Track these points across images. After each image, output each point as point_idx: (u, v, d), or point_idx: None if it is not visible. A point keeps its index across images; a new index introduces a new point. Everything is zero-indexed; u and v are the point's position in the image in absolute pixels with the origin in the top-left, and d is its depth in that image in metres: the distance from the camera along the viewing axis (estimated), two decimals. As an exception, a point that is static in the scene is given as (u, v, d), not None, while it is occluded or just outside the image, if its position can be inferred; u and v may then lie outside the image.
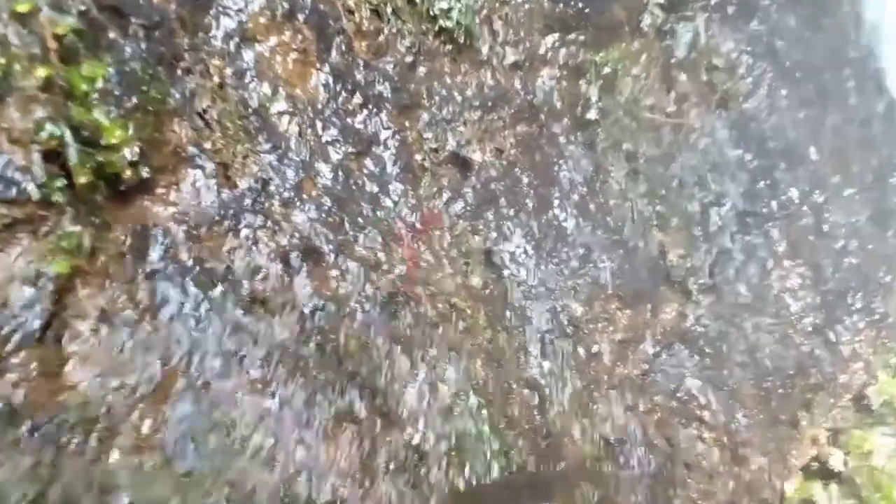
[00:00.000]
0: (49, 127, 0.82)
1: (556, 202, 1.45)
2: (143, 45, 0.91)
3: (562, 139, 1.50)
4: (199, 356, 0.88)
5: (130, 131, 0.85)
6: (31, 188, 0.84)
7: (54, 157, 0.86)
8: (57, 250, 0.84)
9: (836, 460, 1.85)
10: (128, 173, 0.86)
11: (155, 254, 0.90)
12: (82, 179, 0.84)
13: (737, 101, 1.78)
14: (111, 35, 0.88)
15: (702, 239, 1.60)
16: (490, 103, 1.41)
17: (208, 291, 0.91)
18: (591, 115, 1.53)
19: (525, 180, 1.43)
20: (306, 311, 0.98)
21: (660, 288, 1.52)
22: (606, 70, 1.60)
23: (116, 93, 0.86)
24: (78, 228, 0.85)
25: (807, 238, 1.70)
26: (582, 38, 1.59)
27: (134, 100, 0.87)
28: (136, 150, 0.87)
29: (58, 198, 0.84)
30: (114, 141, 0.82)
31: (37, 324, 0.82)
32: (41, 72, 0.86)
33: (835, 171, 1.84)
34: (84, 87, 0.86)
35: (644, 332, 1.47)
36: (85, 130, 0.84)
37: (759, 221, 1.67)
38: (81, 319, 0.86)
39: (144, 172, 0.88)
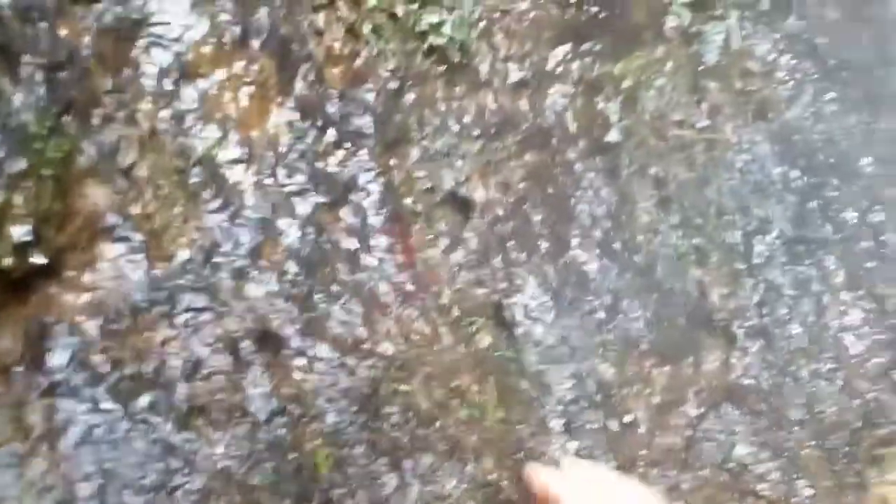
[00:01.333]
0: None
1: (575, 241, 1.24)
2: (41, 91, 0.72)
3: (578, 167, 1.29)
4: (114, 494, 0.68)
5: (17, 205, 0.66)
6: None
7: None
8: None
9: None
10: (8, 262, 0.67)
11: (56, 360, 0.70)
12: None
13: (777, 111, 1.56)
14: (-11, 81, 0.69)
15: (746, 274, 1.38)
16: (493, 130, 1.20)
17: (129, 404, 0.71)
18: (612, 136, 1.32)
19: (537, 218, 1.22)
20: (261, 418, 0.77)
21: (701, 335, 1.30)
22: (627, 83, 1.39)
23: (-5, 156, 0.67)
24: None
25: (865, 265, 1.47)
26: (597, 47, 1.38)
27: (22, 163, 0.67)
28: (27, 228, 0.67)
29: None
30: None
31: None
32: None
33: (889, 182, 1.62)
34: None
35: (686, 392, 1.25)
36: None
37: (812, 249, 1.45)
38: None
39: (39, 258, 0.68)
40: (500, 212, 1.19)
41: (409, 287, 0.95)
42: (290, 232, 0.89)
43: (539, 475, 0.68)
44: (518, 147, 1.24)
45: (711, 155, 1.45)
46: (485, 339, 1.10)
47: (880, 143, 1.66)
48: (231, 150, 0.88)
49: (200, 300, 0.78)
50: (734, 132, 1.49)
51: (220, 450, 0.72)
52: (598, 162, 1.31)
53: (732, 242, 1.39)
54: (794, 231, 1.44)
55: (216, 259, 0.82)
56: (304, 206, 0.92)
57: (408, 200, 1.06)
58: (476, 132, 1.16)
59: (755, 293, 1.37)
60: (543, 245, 1.21)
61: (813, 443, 1.34)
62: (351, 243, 0.93)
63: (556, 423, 1.04)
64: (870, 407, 1.41)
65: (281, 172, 0.92)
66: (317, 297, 0.86)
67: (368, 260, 0.94)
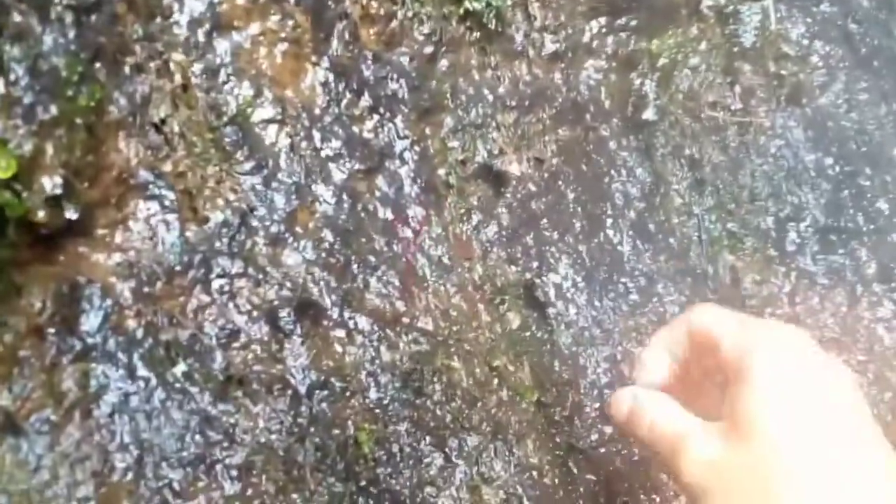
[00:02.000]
0: None
1: (609, 222, 1.20)
2: (72, 35, 0.66)
3: (612, 144, 1.25)
4: (152, 467, 0.63)
5: (49, 154, 0.61)
6: None
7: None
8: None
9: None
10: (40, 215, 0.62)
11: (88, 324, 0.65)
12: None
13: (811, 96, 1.52)
14: (18, 19, 0.63)
15: (778, 261, 1.34)
16: (527, 103, 1.15)
17: (166, 372, 0.66)
18: (647, 114, 1.28)
19: (571, 196, 1.18)
20: (301, 390, 0.72)
21: (732, 322, 1.27)
22: (663, 61, 1.34)
23: (26, 100, 0.61)
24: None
25: (898, 257, 1.44)
26: (633, 22, 1.33)
27: (53, 110, 0.62)
28: (58, 180, 0.62)
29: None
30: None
31: None
32: None
33: (920, 175, 1.58)
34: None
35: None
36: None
37: (844, 239, 1.41)
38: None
39: (70, 212, 0.63)
40: (533, 188, 1.14)
41: (446, 261, 0.90)
42: (326, 198, 0.84)
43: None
44: (552, 121, 1.19)
45: (744, 139, 1.41)
46: (516, 319, 1.06)
47: (911, 134, 1.63)
48: (265, 109, 0.83)
49: (236, 266, 0.73)
50: (767, 116, 1.45)
51: (261, 423, 0.67)
52: (632, 140, 1.27)
53: (765, 228, 1.35)
54: (827, 219, 1.41)
55: (252, 223, 0.77)
56: (339, 172, 0.87)
57: (441, 172, 1.02)
58: (511, 103, 1.11)
59: (787, 281, 1.34)
60: (577, 224, 1.17)
61: (845, 435, 1.31)
62: (387, 213, 0.89)
63: (591, 408, 1.00)
64: (901, 400, 1.38)
65: (316, 136, 0.87)
66: (354, 267, 0.82)
67: (406, 231, 0.89)
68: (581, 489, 0.83)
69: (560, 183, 1.18)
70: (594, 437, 0.91)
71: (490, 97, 1.11)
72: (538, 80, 1.20)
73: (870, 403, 1.25)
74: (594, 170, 1.23)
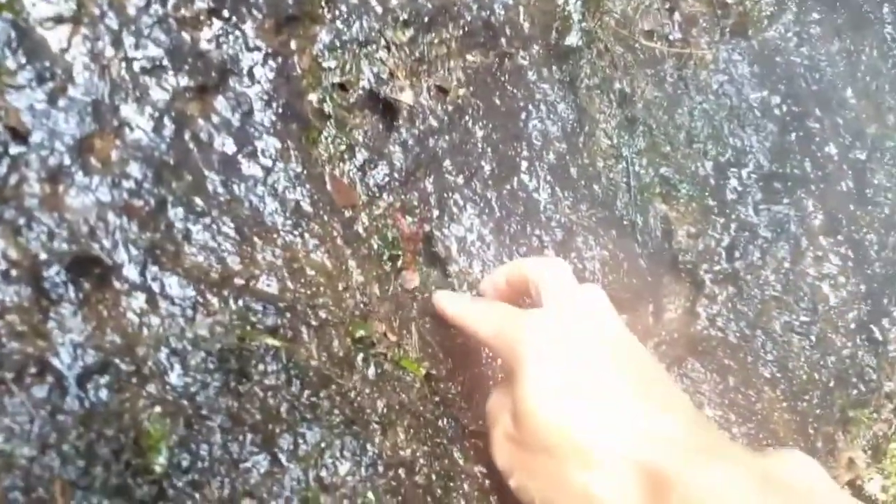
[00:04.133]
0: None
1: (524, 165, 1.03)
2: None
3: (531, 74, 1.07)
4: None
5: None
6: None
7: None
8: None
9: (874, 486, 1.51)
10: None
11: None
12: None
13: (758, 28, 1.36)
14: None
15: (717, 211, 1.19)
16: (426, 19, 0.96)
17: None
18: (572, 39, 1.10)
19: (479, 134, 1.00)
20: (68, 376, 0.54)
21: (663, 279, 1.12)
22: (591, -22, 1.16)
23: None
24: None
25: (847, 207, 1.32)
26: (558, -69, 1.14)
27: None
28: None
29: None
30: None
31: None
32: None
33: (872, 118, 1.45)
34: None
35: (645, 343, 1.07)
36: None
37: (791, 187, 1.27)
38: None
39: None
40: (434, 122, 0.96)
41: (306, 207, 0.72)
42: (139, 123, 0.65)
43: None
44: (458, 44, 1.00)
45: (683, 73, 1.25)
46: (413, 279, 0.89)
47: (865, 75, 1.49)
48: (51, 4, 0.63)
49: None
50: (710, 48, 1.29)
51: (4, 421, 0.49)
52: (554, 70, 1.09)
53: (703, 174, 1.20)
54: (772, 165, 1.26)
55: (19, 150, 0.57)
56: (160, 91, 0.67)
57: (312, 97, 0.83)
58: (404, 17, 0.92)
59: (726, 234, 1.19)
60: (486, 167, 1.00)
61: (784, 405, 1.19)
62: (226, 144, 0.70)
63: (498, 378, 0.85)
64: (844, 364, 1.27)
65: (128, 41, 0.67)
66: (171, 212, 0.63)
67: (251, 168, 0.71)
68: (466, 486, 0.67)
69: (467, 118, 1.00)
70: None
71: (379, 9, 0.92)
72: (442, -8, 1.00)
73: (811, 368, 1.13)
74: (508, 104, 1.05)
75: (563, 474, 0.51)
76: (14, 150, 0.58)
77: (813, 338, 1.23)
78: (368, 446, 0.61)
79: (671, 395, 0.58)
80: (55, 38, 0.64)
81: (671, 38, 1.25)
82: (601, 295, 0.64)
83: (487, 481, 0.70)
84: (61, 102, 0.62)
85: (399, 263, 0.89)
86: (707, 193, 1.20)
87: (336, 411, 0.62)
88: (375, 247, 0.87)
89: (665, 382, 0.61)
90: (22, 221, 0.55)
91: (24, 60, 0.62)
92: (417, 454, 0.66)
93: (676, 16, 1.27)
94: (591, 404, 0.52)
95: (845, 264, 1.29)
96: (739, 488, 0.47)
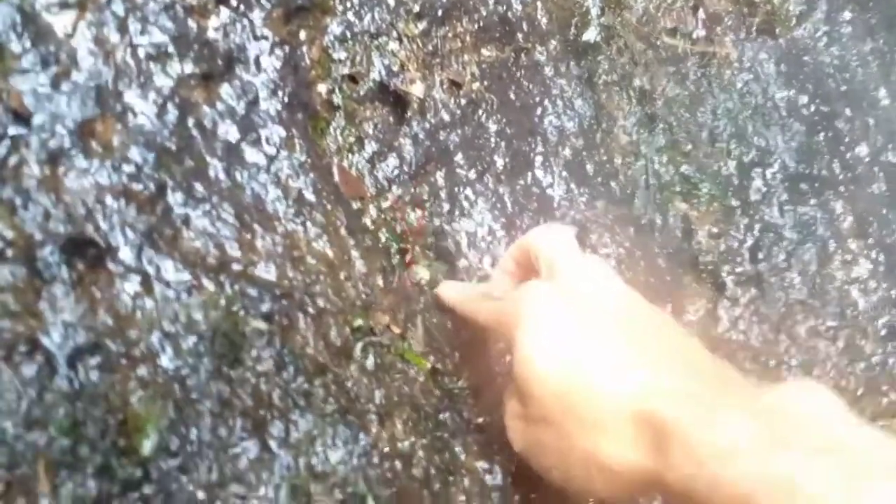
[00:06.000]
0: None
1: (539, 160, 1.01)
2: None
3: (548, 70, 1.05)
4: None
5: None
6: None
7: None
8: None
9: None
10: None
11: None
12: None
13: (786, 27, 1.33)
14: None
15: (740, 212, 1.16)
16: (440, 12, 0.96)
17: None
18: (590, 35, 1.08)
19: (493, 128, 0.99)
20: (59, 356, 0.54)
21: (683, 281, 1.09)
22: (612, -26, 1.14)
23: None
24: None
25: (878, 210, 1.27)
26: (578, -75, 1.13)
27: None
28: None
29: None
30: None
31: None
32: None
33: (904, 121, 1.41)
34: None
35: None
36: None
37: (817, 188, 1.23)
38: None
39: None
40: (447, 116, 0.95)
41: (310, 196, 0.71)
42: (142, 108, 0.65)
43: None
44: (473, 38, 0.99)
45: (706, 71, 1.22)
46: (421, 273, 0.88)
47: (895, 75, 1.45)
48: (58, -9, 0.63)
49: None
50: (735, 47, 1.26)
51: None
52: (572, 66, 1.08)
53: (726, 174, 1.17)
54: (798, 166, 1.22)
55: (20, 131, 0.58)
56: (165, 78, 0.67)
57: (321, 88, 0.82)
58: (417, 9, 0.91)
59: (749, 235, 1.16)
60: (499, 161, 0.98)
61: (807, 412, 1.16)
62: (230, 132, 0.69)
63: (501, 379, 0.83)
64: (874, 372, 1.22)
65: (133, 28, 0.67)
66: (171, 197, 0.63)
67: (255, 156, 0.70)
68: (466, 482, 0.65)
69: (480, 112, 0.99)
70: (498, 414, 0.73)
71: (391, 0, 0.91)
72: (456, -14, 0.99)
73: (839, 375, 1.09)
74: (524, 99, 1.04)
75: (568, 436, 0.51)
76: (14, 131, 0.58)
77: (840, 343, 1.18)
78: (362, 436, 0.60)
79: (676, 346, 0.56)
80: (60, 23, 0.64)
81: (694, 35, 1.22)
82: (600, 260, 0.65)
83: (489, 478, 0.69)
84: (64, 86, 0.63)
85: (407, 257, 0.88)
86: (730, 193, 1.16)
87: (331, 400, 0.61)
88: (383, 239, 0.86)
89: (669, 334, 0.59)
90: (19, 202, 0.55)
91: (28, 45, 0.62)
92: (416, 447, 0.65)
93: (700, 13, 1.24)
94: (589, 359, 0.51)
95: (876, 268, 1.24)
96: (741, 429, 0.45)
